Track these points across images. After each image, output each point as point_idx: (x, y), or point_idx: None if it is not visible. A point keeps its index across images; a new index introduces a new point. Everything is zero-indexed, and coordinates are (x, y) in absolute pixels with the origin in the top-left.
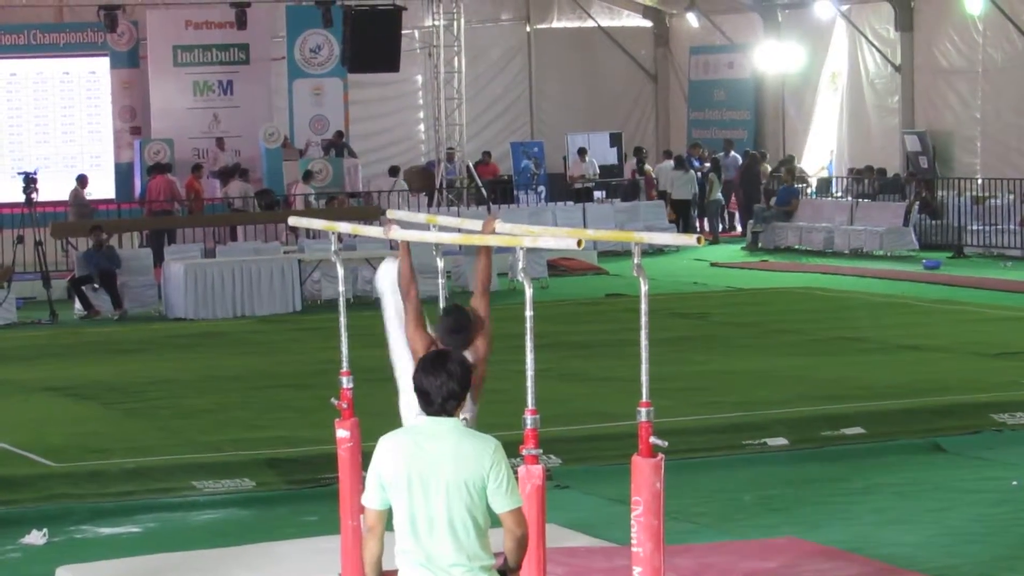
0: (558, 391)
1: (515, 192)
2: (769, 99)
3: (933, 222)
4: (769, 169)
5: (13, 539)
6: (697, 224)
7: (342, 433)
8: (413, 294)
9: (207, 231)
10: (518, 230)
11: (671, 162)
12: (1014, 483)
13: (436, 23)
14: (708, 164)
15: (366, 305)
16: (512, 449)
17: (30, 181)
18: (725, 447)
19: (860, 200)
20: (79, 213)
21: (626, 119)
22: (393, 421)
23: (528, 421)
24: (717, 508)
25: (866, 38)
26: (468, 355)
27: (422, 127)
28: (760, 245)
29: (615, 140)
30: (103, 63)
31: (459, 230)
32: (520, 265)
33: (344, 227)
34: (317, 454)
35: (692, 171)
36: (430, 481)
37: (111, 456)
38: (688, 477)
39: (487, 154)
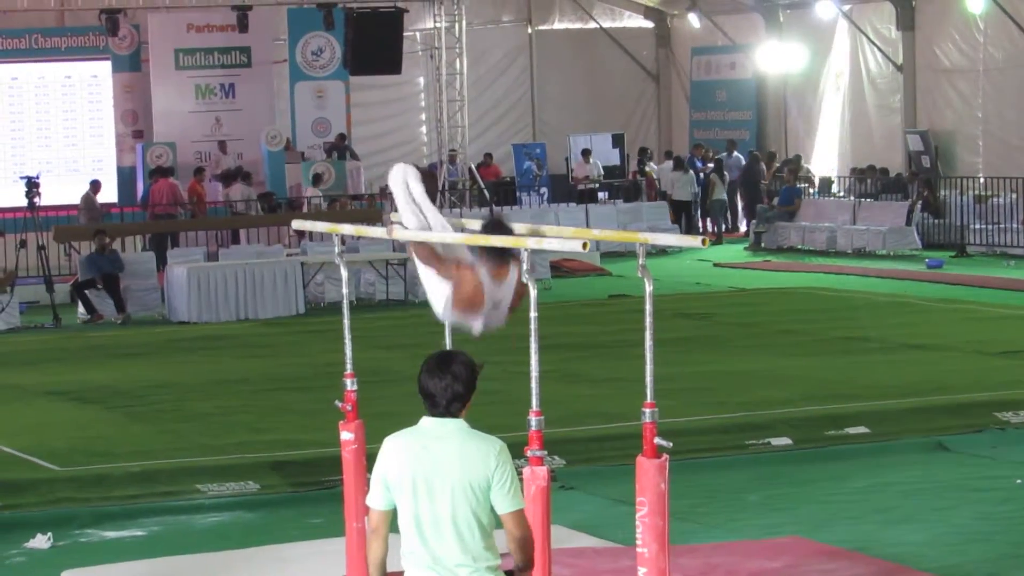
0: (562, 392)
1: (517, 194)
2: (771, 99)
3: (936, 221)
4: (769, 168)
5: (18, 543)
6: (700, 225)
7: (346, 435)
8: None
9: (210, 234)
10: (524, 230)
11: (671, 163)
12: (1018, 481)
13: (438, 25)
14: (711, 165)
15: (369, 307)
16: (516, 450)
17: (32, 185)
18: (729, 447)
19: (862, 200)
20: (91, 217)
21: (628, 120)
22: (396, 423)
23: (532, 422)
24: (722, 508)
25: (868, 38)
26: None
27: (424, 129)
28: (763, 245)
29: (617, 141)
30: (105, 67)
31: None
32: (525, 267)
33: (347, 229)
34: (321, 457)
35: (692, 172)
36: (435, 482)
37: (115, 460)
38: (693, 477)
39: (489, 156)
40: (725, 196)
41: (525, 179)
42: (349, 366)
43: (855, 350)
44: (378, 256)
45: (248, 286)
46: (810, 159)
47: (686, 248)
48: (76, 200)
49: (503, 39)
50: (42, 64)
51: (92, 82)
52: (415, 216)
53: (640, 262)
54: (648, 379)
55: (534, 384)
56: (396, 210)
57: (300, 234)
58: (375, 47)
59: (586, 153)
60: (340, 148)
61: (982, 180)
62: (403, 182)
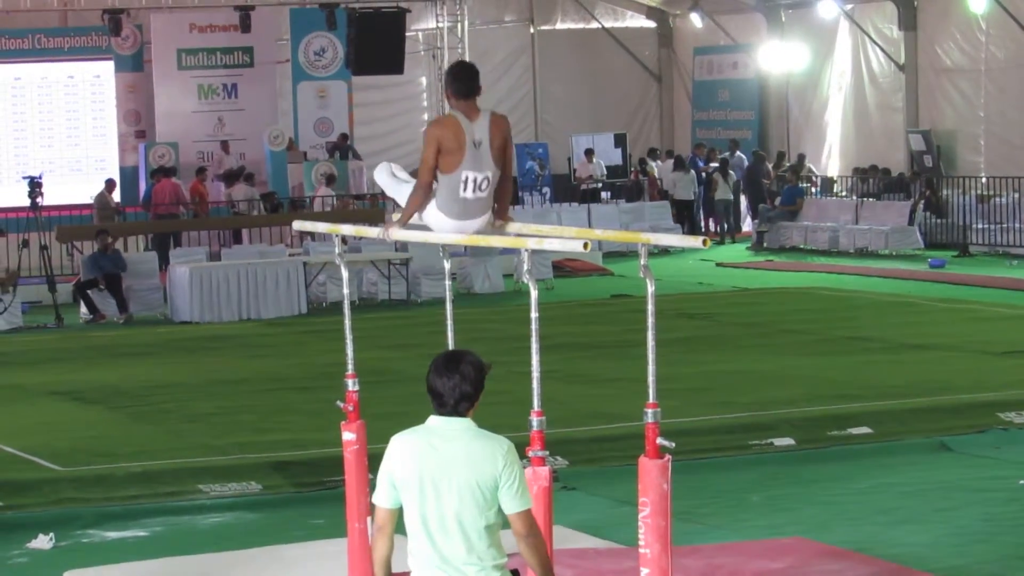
0: (564, 392)
1: (519, 193)
2: (773, 99)
3: (938, 221)
4: (777, 169)
5: (20, 543)
6: (703, 224)
7: (348, 436)
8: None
9: (212, 234)
10: (526, 230)
11: (671, 163)
12: (1021, 482)
13: (440, 25)
14: (715, 164)
15: (371, 307)
16: (518, 451)
17: (35, 185)
18: (732, 447)
19: (865, 199)
20: (103, 217)
21: (630, 120)
22: (399, 423)
23: (534, 423)
24: (724, 509)
25: (870, 37)
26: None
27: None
28: (765, 245)
29: (619, 141)
30: (107, 67)
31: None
32: (525, 267)
33: (347, 230)
34: (323, 457)
35: (693, 172)
36: (442, 482)
37: (117, 460)
38: (695, 478)
39: None
40: (731, 196)
41: (527, 179)
42: (351, 366)
43: (857, 350)
44: (380, 256)
45: (250, 286)
46: (812, 159)
47: (688, 248)
48: (78, 200)
49: (505, 39)
50: (45, 64)
51: (95, 82)
52: (408, 184)
53: (642, 262)
54: (650, 379)
55: (535, 384)
56: (396, 210)
57: (302, 234)
58: (377, 47)
59: (589, 153)
60: (342, 148)
61: (984, 180)
62: (388, 172)
